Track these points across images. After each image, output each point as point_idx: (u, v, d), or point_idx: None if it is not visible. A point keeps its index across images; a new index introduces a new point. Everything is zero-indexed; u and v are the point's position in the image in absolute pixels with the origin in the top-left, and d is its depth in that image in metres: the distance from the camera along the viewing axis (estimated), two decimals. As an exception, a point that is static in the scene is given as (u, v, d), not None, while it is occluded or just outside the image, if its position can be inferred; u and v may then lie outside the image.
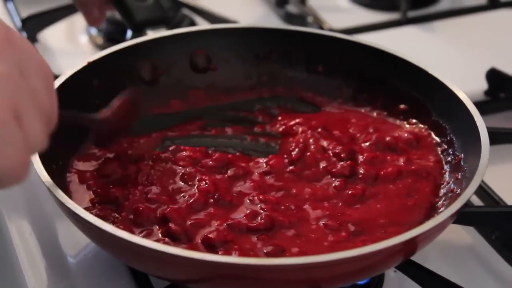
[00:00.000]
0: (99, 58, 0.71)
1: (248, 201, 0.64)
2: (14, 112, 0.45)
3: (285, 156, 0.69)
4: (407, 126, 0.73)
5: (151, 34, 0.77)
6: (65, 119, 0.52)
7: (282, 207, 0.63)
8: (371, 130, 0.72)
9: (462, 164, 0.66)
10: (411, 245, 0.56)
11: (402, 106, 0.74)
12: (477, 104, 0.68)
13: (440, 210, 0.63)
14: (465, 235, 0.69)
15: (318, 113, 0.76)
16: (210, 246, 0.59)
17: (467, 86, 0.72)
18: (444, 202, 0.64)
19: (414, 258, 0.61)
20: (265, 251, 0.58)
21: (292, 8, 1.04)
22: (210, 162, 0.68)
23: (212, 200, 0.63)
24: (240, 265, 0.53)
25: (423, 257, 0.63)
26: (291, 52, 0.78)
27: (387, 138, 0.71)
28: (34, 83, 0.47)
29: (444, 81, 0.70)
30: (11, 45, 0.46)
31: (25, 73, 0.46)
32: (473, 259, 0.67)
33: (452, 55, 0.97)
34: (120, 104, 0.65)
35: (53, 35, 0.96)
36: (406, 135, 0.71)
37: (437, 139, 0.70)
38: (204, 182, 0.64)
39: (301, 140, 0.71)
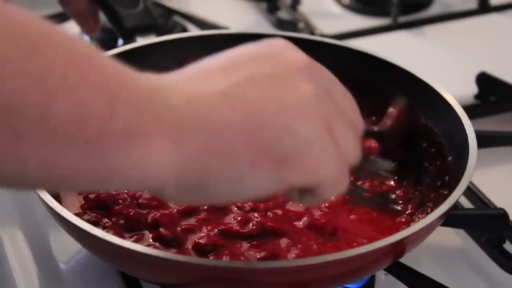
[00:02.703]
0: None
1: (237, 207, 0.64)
2: (327, 125, 0.47)
3: None
4: None
5: (141, 41, 0.77)
6: None
7: (270, 214, 0.64)
8: None
9: (451, 166, 0.66)
10: (400, 247, 0.56)
11: (391, 110, 0.74)
12: (468, 108, 0.68)
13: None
14: (456, 237, 0.70)
15: None
16: (201, 251, 0.59)
17: (458, 90, 0.73)
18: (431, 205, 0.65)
19: (405, 261, 0.61)
20: (258, 256, 0.59)
21: (283, 14, 1.05)
22: None
23: (205, 206, 0.63)
24: (228, 268, 0.53)
25: (414, 260, 0.64)
26: (281, 58, 0.78)
27: None
28: (341, 102, 0.50)
29: (432, 84, 0.70)
30: (316, 71, 0.50)
31: (332, 94, 0.49)
32: (463, 261, 0.68)
33: (443, 60, 0.97)
34: (397, 114, 0.68)
35: (45, 43, 0.97)
36: None
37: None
38: None
39: None
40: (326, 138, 0.47)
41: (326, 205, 0.66)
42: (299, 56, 0.50)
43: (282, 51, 0.50)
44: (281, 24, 1.02)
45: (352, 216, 0.65)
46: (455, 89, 0.72)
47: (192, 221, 0.62)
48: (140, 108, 0.43)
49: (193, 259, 0.53)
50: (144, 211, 0.62)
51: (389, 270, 0.63)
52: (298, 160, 0.46)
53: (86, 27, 0.83)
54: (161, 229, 0.60)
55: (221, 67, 0.48)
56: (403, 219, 0.65)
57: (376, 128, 0.70)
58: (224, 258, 0.58)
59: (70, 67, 0.41)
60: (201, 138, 0.44)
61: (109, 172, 0.43)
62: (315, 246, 0.60)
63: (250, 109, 0.46)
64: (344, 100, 0.50)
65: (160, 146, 0.43)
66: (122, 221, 0.61)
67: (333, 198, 0.51)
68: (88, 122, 0.41)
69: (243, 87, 0.46)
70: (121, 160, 0.42)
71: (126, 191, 0.64)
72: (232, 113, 0.45)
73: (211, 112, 0.45)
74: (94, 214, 0.62)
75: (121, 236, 0.60)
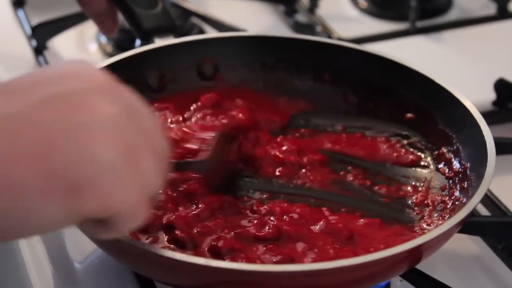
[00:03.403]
0: (107, 66, 0.72)
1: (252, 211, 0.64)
2: (126, 149, 0.44)
3: None
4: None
5: (159, 42, 0.77)
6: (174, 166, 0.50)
7: (286, 217, 0.64)
8: None
9: (469, 173, 0.66)
10: (416, 253, 0.56)
11: (409, 115, 0.74)
12: (485, 114, 0.68)
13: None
14: (472, 244, 0.69)
15: None
16: (216, 254, 0.59)
17: (475, 96, 0.72)
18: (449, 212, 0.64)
19: (421, 267, 0.61)
20: (274, 260, 0.59)
21: (301, 17, 1.04)
22: None
23: (220, 209, 0.63)
24: (244, 271, 0.53)
25: (430, 266, 0.63)
26: (299, 61, 0.78)
27: None
28: (145, 125, 0.46)
29: (451, 90, 0.70)
30: (118, 91, 0.46)
31: (133, 115, 0.46)
32: (479, 268, 0.67)
33: (461, 65, 0.97)
34: (216, 143, 0.65)
35: (63, 43, 0.97)
36: None
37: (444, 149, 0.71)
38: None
39: None
40: (124, 164, 0.43)
41: (344, 209, 0.66)
42: (100, 75, 0.46)
43: (84, 71, 0.46)
44: (298, 27, 1.02)
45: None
46: (473, 95, 0.72)
47: (208, 223, 0.61)
48: None
49: (209, 261, 0.53)
50: (160, 213, 0.62)
51: (404, 276, 0.62)
52: (91, 188, 0.43)
53: (104, 27, 0.83)
54: (177, 232, 0.60)
55: (15, 89, 0.44)
56: (420, 225, 0.65)
57: (192, 159, 0.65)
58: (239, 261, 0.58)
59: None
60: None
61: None
62: (331, 251, 0.60)
63: (39, 133, 0.42)
64: (149, 123, 0.47)
65: None
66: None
67: (129, 230, 0.47)
68: None
69: (36, 109, 0.42)
70: None
71: None
72: (21, 139, 0.41)
73: None
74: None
75: (136, 237, 0.60)
